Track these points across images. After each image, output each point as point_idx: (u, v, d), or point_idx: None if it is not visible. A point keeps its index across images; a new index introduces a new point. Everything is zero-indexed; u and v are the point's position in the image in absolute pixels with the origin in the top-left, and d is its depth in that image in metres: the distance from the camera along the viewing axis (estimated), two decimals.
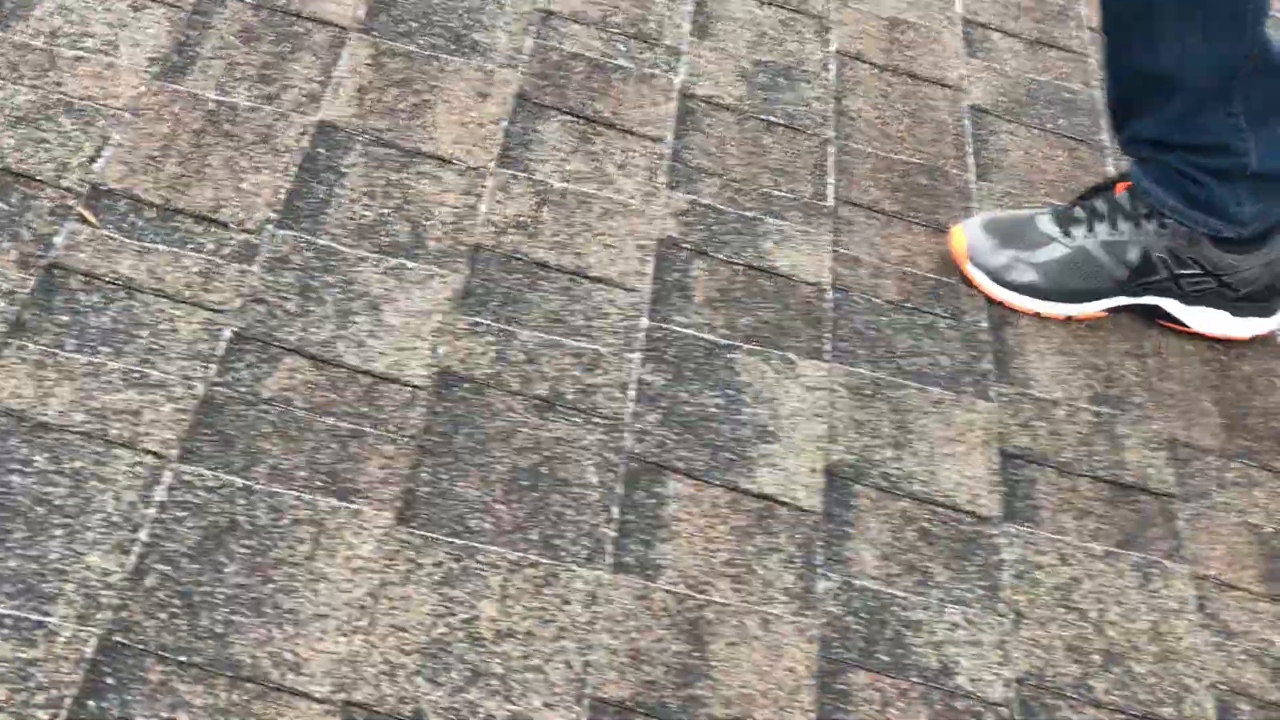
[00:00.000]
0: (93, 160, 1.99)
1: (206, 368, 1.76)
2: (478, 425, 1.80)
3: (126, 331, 1.77)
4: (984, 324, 2.21)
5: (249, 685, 1.43)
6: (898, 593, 1.76)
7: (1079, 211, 2.26)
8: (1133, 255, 2.24)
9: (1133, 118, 2.23)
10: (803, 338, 2.07)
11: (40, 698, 1.36)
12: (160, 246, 1.89)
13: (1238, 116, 2.16)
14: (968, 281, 2.25)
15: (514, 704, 1.50)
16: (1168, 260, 2.24)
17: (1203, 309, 2.28)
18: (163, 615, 1.47)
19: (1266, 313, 2.30)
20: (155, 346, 1.76)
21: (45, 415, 1.64)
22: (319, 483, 1.67)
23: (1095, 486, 2.00)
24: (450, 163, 2.15)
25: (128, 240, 1.89)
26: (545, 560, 1.66)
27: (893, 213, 2.35)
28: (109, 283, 1.83)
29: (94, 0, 2.23)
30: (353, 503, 1.66)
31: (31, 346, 1.71)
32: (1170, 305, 2.28)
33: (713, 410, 1.92)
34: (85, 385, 1.69)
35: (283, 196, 2.01)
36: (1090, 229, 2.24)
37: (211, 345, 1.79)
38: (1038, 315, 2.24)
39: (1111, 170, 2.38)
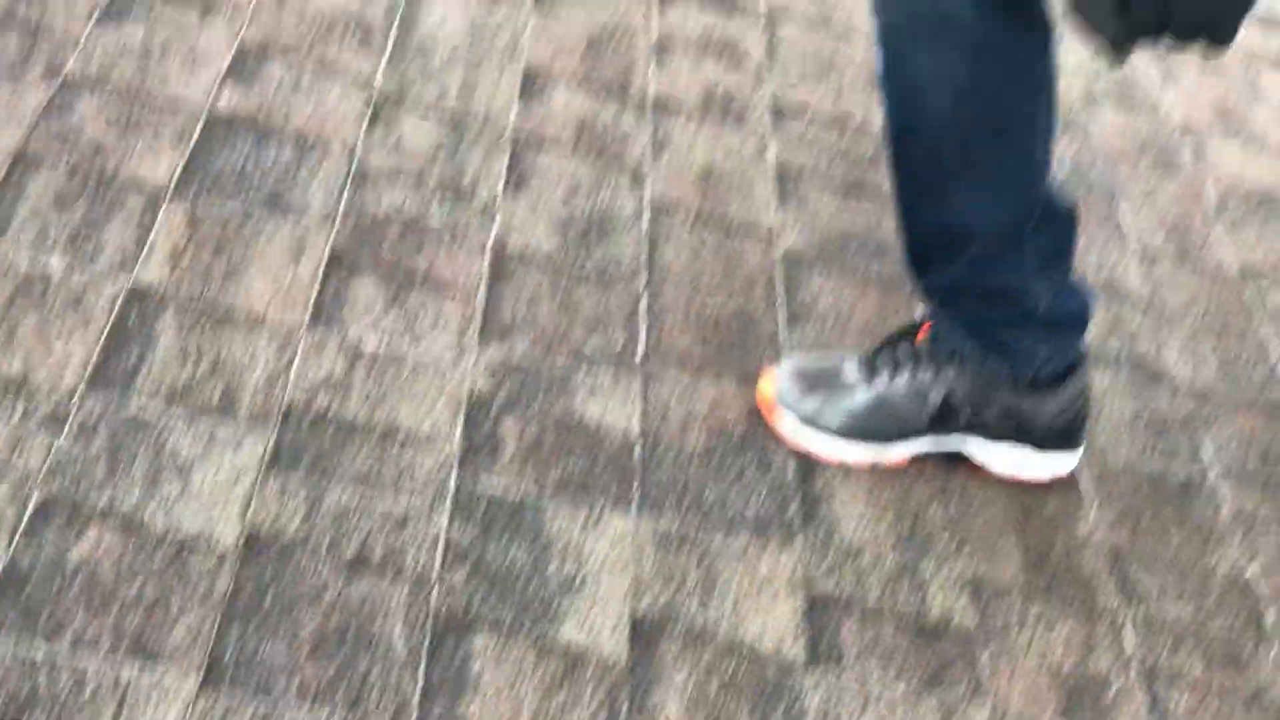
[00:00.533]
0: None
1: (11, 537, 1.79)
2: (285, 587, 1.84)
3: None
4: (791, 471, 2.27)
5: None
6: None
7: (882, 358, 2.34)
8: (935, 399, 2.32)
9: (929, 268, 2.31)
10: (611, 490, 2.13)
11: None
12: None
13: (1026, 265, 2.26)
14: (775, 429, 2.32)
15: None
16: (968, 403, 2.33)
17: (1005, 449, 2.36)
18: None
19: (1067, 450, 2.40)
20: None
21: None
22: (123, 649, 1.70)
23: (899, 629, 2.07)
24: (263, 324, 2.19)
25: None
26: None
27: (703, 362, 2.40)
28: None
29: None
30: (157, 668, 1.69)
31: None
32: (973, 447, 2.36)
33: (520, 565, 1.97)
34: None
35: (93, 362, 2.04)
36: (893, 375, 2.32)
37: (17, 513, 1.82)
38: (844, 461, 2.32)
39: (916, 315, 2.46)
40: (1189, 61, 3.73)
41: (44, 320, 2.08)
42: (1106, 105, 3.35)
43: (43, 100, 2.43)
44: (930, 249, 2.30)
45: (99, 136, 2.40)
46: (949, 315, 2.31)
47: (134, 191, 2.34)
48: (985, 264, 2.25)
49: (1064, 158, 3.16)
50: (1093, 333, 2.56)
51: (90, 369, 2.04)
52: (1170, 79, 3.60)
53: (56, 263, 2.18)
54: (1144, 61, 3.65)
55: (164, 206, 2.33)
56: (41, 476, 1.88)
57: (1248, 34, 4.02)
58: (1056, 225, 2.28)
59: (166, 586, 1.80)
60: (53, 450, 1.92)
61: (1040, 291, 2.28)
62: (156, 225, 2.29)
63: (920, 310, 2.38)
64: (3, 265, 2.15)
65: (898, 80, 2.18)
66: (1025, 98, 2.16)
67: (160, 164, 2.40)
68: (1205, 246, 3.07)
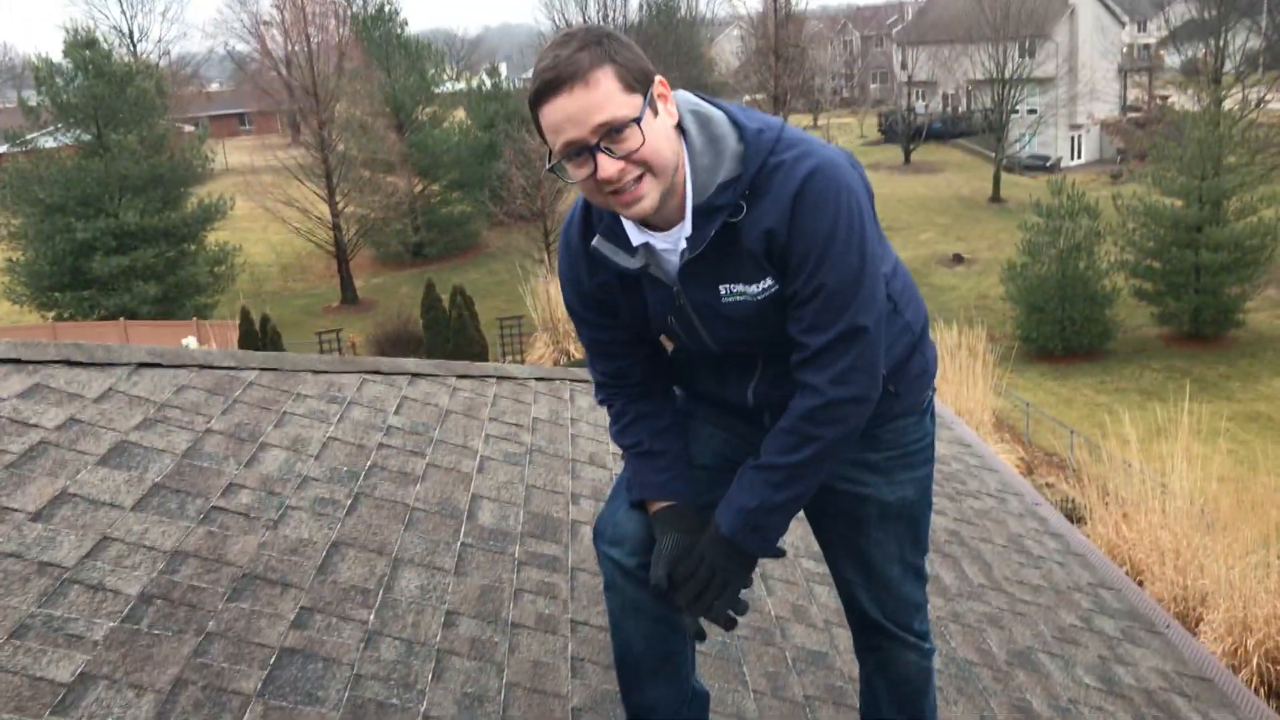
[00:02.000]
0: None
1: None
2: None
3: None
4: None
5: None
6: None
7: None
8: None
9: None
10: None
11: None
12: None
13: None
14: None
15: None
16: None
17: None
18: None
19: None
20: None
21: None
22: None
23: None
24: None
25: None
26: None
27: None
28: None
29: None
30: None
31: None
32: None
33: None
34: None
35: None
36: None
37: None
38: None
39: None
40: (787, 579, 3.92)
41: None
42: None
43: None
44: (637, 714, 2.45)
45: None
46: None
47: None
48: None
49: (716, 640, 3.32)
50: None
51: None
52: (770, 589, 3.79)
53: None
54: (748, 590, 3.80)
55: None
56: None
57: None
58: (699, 700, 2.45)
59: None
60: None
61: None
62: None
63: None
64: None
65: (616, 637, 2.38)
66: (681, 648, 2.36)
67: None
68: (787, 672, 3.20)
